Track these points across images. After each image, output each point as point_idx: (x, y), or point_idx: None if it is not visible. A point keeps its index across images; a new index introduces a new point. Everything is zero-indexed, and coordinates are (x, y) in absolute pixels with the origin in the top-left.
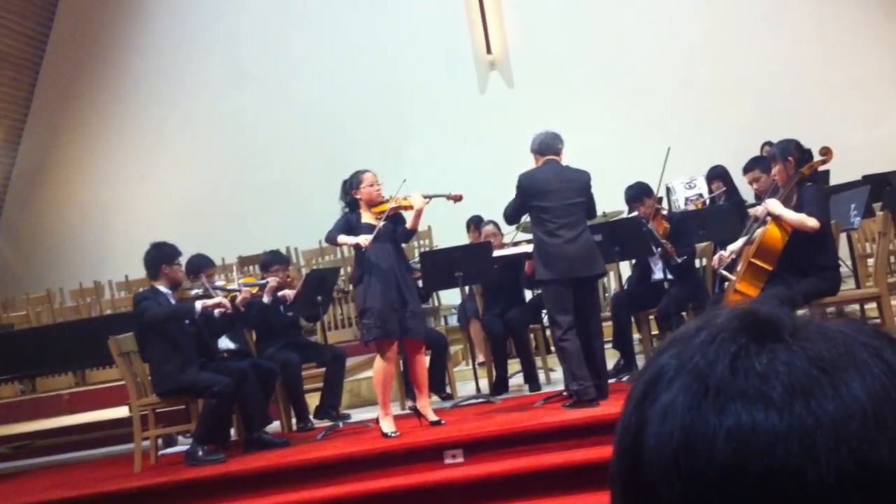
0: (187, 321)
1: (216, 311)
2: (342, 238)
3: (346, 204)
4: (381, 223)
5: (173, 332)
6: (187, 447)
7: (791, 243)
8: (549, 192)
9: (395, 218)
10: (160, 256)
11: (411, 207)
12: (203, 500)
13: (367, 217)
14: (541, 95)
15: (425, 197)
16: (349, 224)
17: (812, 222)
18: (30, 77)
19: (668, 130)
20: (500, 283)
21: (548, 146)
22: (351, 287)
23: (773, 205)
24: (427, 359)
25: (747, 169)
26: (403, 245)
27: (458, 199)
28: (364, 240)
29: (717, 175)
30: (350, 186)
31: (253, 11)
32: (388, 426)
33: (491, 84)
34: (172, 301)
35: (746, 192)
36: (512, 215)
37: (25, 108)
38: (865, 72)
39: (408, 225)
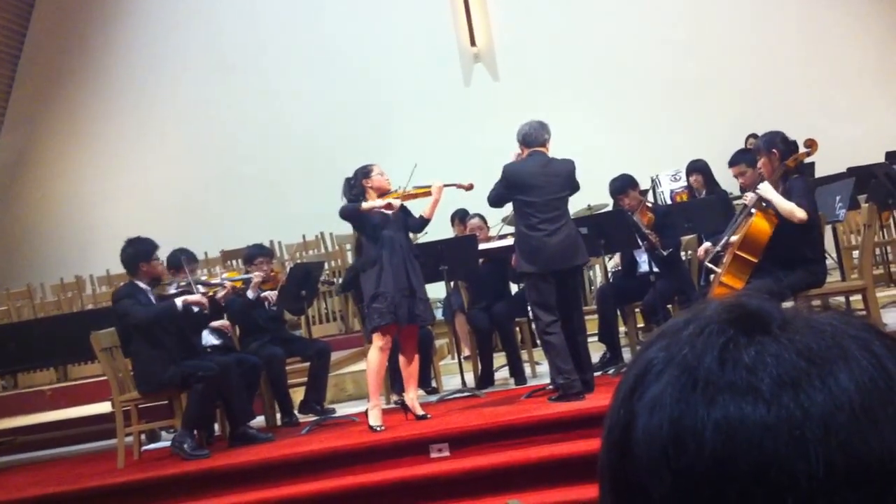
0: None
1: (195, 308)
2: (367, 204)
3: (353, 197)
4: (399, 202)
5: (155, 330)
6: (171, 441)
7: (777, 236)
8: (533, 187)
9: (404, 209)
10: (137, 254)
11: (425, 195)
12: (187, 496)
13: None
14: (526, 88)
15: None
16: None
17: (801, 213)
18: (8, 70)
19: (653, 122)
20: (486, 276)
21: (533, 138)
22: (339, 281)
23: (766, 189)
24: None
25: (733, 162)
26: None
27: (470, 188)
28: (395, 202)
29: (696, 169)
30: (357, 178)
31: (234, 5)
32: (374, 419)
33: (476, 77)
34: (152, 297)
35: (727, 185)
36: (494, 202)
37: (4, 102)
38: (849, 66)
39: (425, 213)
